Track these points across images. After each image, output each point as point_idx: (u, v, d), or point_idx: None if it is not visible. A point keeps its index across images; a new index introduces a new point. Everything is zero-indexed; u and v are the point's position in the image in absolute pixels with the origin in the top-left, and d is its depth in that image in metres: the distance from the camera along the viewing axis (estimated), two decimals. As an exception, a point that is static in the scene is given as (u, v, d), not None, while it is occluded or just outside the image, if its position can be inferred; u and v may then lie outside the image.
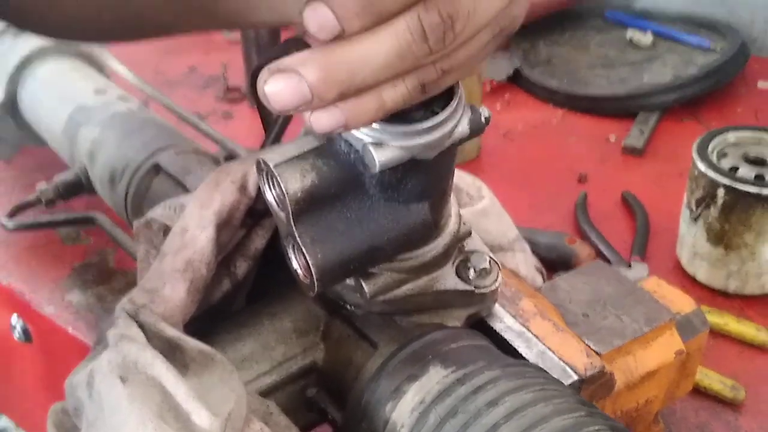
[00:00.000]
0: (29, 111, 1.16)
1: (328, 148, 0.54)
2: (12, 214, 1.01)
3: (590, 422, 0.50)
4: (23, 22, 0.70)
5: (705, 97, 1.42)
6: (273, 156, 0.53)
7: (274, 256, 0.69)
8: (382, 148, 0.51)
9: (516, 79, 1.52)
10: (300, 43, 0.69)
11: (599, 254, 1.10)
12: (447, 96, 0.54)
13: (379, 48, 0.45)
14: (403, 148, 0.52)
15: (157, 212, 0.68)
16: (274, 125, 0.72)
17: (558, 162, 1.33)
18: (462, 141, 0.54)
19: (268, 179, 0.55)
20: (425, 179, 0.55)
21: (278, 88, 0.45)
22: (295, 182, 0.53)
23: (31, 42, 1.19)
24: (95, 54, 1.22)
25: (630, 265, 1.07)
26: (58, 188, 1.00)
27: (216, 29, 0.69)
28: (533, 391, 0.52)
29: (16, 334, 1.15)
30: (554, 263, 1.07)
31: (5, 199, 1.20)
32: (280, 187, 0.53)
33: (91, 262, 1.12)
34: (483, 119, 0.54)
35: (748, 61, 1.48)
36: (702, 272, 1.06)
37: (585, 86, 1.46)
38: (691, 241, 1.06)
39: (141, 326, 0.57)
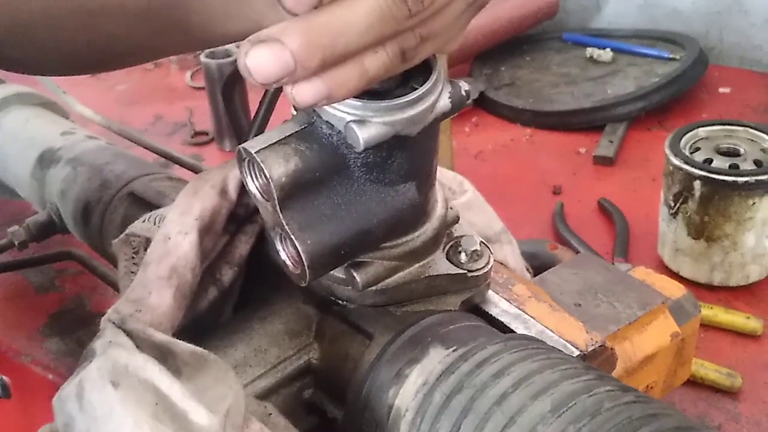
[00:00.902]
0: (-5, 161, 1.14)
1: (310, 131, 0.53)
2: (-16, 259, 0.99)
3: (600, 384, 0.48)
4: None
5: (670, 105, 1.44)
6: (253, 143, 0.52)
7: (258, 265, 0.68)
8: (366, 125, 0.51)
9: (482, 103, 1.53)
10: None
11: (582, 259, 1.09)
12: (426, 72, 0.53)
13: (360, 11, 0.44)
14: (386, 123, 0.51)
15: (137, 226, 0.67)
16: (249, 132, 0.71)
17: (531, 177, 1.33)
18: (445, 116, 0.54)
19: (250, 168, 0.54)
20: (410, 157, 0.54)
21: (260, 58, 0.44)
22: (279, 167, 0.52)
23: (-9, 94, 1.18)
24: (58, 102, 1.21)
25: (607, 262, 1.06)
26: (30, 229, 0.98)
27: (190, 49, 0.68)
28: (539, 360, 0.50)
29: (-6, 390, 1.11)
30: (537, 270, 1.06)
31: (-25, 253, 1.18)
32: (264, 174, 0.52)
33: (67, 309, 1.10)
34: (464, 92, 0.54)
35: (707, 69, 1.50)
36: (686, 268, 1.06)
37: (551, 103, 1.47)
38: (671, 238, 1.06)
39: (128, 334, 0.55)
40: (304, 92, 0.46)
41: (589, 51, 1.61)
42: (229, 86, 0.72)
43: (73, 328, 1.06)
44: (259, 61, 0.44)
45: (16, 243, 0.99)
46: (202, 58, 1.40)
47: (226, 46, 1.42)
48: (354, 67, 0.46)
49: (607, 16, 1.75)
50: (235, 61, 1.31)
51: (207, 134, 1.50)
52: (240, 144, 0.76)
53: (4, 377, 1.09)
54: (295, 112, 1.24)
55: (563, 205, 1.22)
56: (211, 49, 1.42)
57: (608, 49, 1.59)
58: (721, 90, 1.51)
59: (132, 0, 0.60)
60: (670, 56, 1.52)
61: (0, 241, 1.00)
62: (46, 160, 1.01)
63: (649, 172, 1.30)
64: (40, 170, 1.01)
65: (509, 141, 1.44)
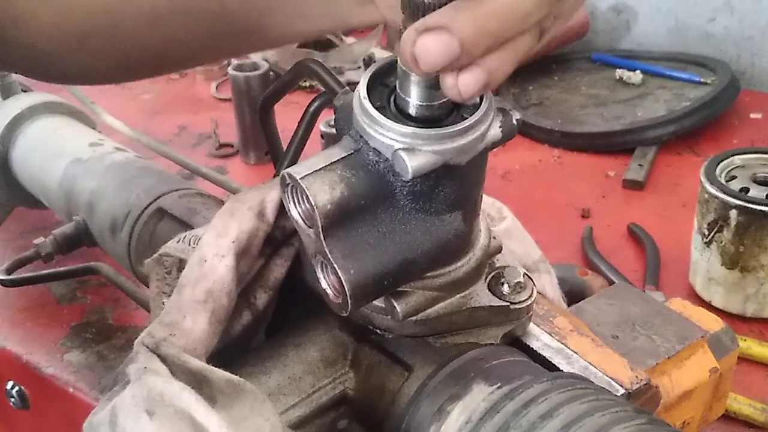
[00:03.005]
0: (21, 170, 1.13)
1: (356, 158, 0.52)
2: (10, 270, 0.98)
3: (652, 430, 0.47)
4: (40, 73, 0.67)
5: (700, 130, 1.42)
6: (298, 169, 0.51)
7: (292, 288, 0.66)
8: (414, 154, 0.49)
9: (509, 122, 1.51)
10: (311, 64, 0.68)
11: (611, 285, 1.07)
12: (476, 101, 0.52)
13: None
14: (435, 152, 0.50)
15: (171, 246, 0.65)
16: (286, 154, 0.70)
17: (559, 199, 1.31)
18: (495, 145, 0.52)
19: (293, 194, 0.52)
20: (458, 187, 0.52)
21: (427, 46, 0.44)
22: (324, 194, 0.50)
23: (20, 102, 1.17)
24: (86, 111, 1.21)
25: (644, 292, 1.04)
26: (56, 241, 0.97)
27: (258, 49, 0.66)
28: (587, 402, 0.49)
29: (12, 400, 1.10)
30: (567, 295, 1.04)
31: (-2, 262, 1.17)
32: (308, 201, 0.50)
33: (89, 321, 1.09)
34: (514, 121, 0.53)
35: (739, 94, 1.48)
36: (718, 298, 1.04)
37: (580, 125, 1.46)
38: (704, 267, 1.04)
39: (163, 359, 0.54)
40: (468, 83, 0.45)
41: (619, 72, 1.59)
42: (266, 106, 0.71)
43: (95, 342, 1.05)
44: (427, 49, 0.44)
45: (42, 254, 0.98)
46: (230, 70, 1.39)
47: (254, 59, 1.41)
48: (509, 51, 0.46)
49: (636, 37, 1.74)
50: (265, 75, 1.29)
51: (232, 146, 1.49)
52: (275, 165, 0.74)
53: (23, 388, 1.09)
54: (323, 130, 1.22)
55: (592, 230, 1.20)
56: (239, 62, 1.41)
57: (638, 71, 1.57)
58: (753, 116, 1.49)
59: (203, 2, 0.58)
60: (701, 80, 1.51)
61: (26, 253, 0.99)
62: (74, 171, 1.00)
63: (679, 198, 1.28)
64: (67, 181, 1.00)
65: (537, 162, 1.42)
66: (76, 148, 1.04)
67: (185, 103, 1.69)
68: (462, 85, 0.46)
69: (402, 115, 0.51)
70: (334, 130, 1.14)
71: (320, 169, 0.51)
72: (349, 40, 1.80)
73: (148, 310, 0.72)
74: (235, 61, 1.42)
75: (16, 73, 0.64)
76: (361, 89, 0.51)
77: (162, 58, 0.59)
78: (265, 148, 1.34)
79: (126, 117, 1.37)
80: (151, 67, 0.63)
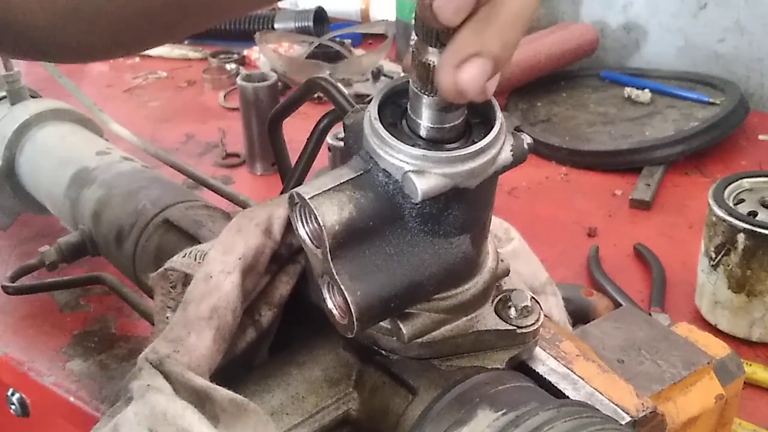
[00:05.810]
0: (28, 177, 1.13)
1: (366, 179, 0.51)
2: (14, 278, 0.97)
3: (658, 461, 0.46)
4: (36, 53, 0.65)
5: (708, 150, 1.42)
6: (307, 189, 0.51)
7: (297, 306, 0.66)
8: (425, 176, 0.49)
9: (517, 138, 1.51)
10: (322, 81, 0.67)
11: (617, 306, 1.07)
12: (488, 124, 0.52)
13: None
14: (445, 175, 0.49)
15: (177, 261, 0.65)
16: (294, 171, 0.69)
17: (566, 217, 1.31)
18: (505, 169, 0.52)
19: (301, 214, 0.52)
20: (467, 210, 0.52)
21: (470, 77, 0.45)
22: (333, 215, 0.50)
23: (28, 108, 1.17)
24: (94, 119, 1.20)
25: (650, 316, 1.04)
26: (61, 250, 0.97)
27: (256, 6, 0.64)
28: (593, 431, 0.48)
29: (13, 408, 1.10)
30: (571, 315, 1.04)
31: (2, 268, 1.16)
32: (317, 221, 0.50)
33: (91, 330, 1.08)
34: (526, 145, 0.52)
35: (748, 115, 1.47)
36: (724, 321, 1.04)
37: (587, 143, 1.45)
38: (711, 290, 1.03)
39: (166, 376, 0.54)
40: (491, 86, 0.48)
41: (627, 91, 1.59)
42: (274, 121, 0.71)
43: (97, 351, 1.05)
44: (470, 80, 0.46)
45: (47, 263, 0.98)
46: (239, 80, 1.39)
47: (263, 70, 1.41)
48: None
49: (645, 55, 1.73)
50: (273, 86, 1.29)
51: (239, 156, 1.49)
52: (282, 179, 0.74)
53: (24, 396, 1.08)
54: (331, 142, 1.21)
55: (598, 249, 1.20)
56: (248, 72, 1.41)
57: (647, 90, 1.57)
58: (761, 137, 1.49)
59: None
60: (710, 100, 1.50)
61: (30, 260, 0.99)
62: (81, 179, 1.00)
63: (686, 219, 1.27)
64: (74, 190, 1.00)
65: (544, 179, 1.42)
66: (84, 156, 1.04)
67: (193, 111, 1.69)
68: (487, 89, 0.48)
69: (413, 136, 0.51)
70: (341, 143, 1.14)
71: (329, 189, 0.51)
72: (358, 52, 1.81)
73: (151, 322, 0.72)
74: (243, 72, 1.42)
75: (12, 56, 0.60)
76: (372, 110, 0.51)
77: (155, 23, 0.56)
78: (272, 159, 1.34)
79: (133, 124, 1.37)
80: (151, 36, 0.60)
